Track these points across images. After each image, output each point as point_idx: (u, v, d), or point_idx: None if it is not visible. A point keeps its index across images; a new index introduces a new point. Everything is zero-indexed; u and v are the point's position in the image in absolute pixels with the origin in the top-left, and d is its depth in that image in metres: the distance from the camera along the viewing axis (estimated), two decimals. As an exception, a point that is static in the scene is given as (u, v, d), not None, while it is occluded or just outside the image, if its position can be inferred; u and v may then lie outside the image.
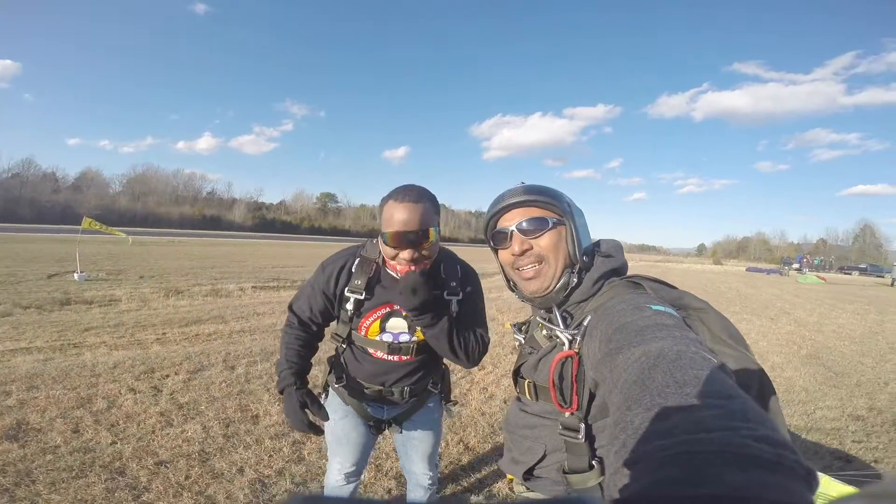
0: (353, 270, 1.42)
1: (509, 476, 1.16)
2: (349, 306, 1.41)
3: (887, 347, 6.89)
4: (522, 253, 0.97)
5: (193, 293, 8.54)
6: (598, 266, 0.96)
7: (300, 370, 1.46)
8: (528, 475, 1.03)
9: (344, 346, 1.50)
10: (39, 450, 2.46)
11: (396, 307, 1.41)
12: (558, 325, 0.93)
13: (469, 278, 1.51)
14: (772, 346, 6.59)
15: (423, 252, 1.30)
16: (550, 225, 0.96)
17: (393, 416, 1.59)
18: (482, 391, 3.94)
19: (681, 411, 0.41)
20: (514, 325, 1.18)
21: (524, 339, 1.11)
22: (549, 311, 0.98)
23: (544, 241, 0.96)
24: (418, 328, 1.39)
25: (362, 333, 1.44)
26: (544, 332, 1.00)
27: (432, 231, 1.28)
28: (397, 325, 1.44)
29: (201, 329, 5.65)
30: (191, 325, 5.83)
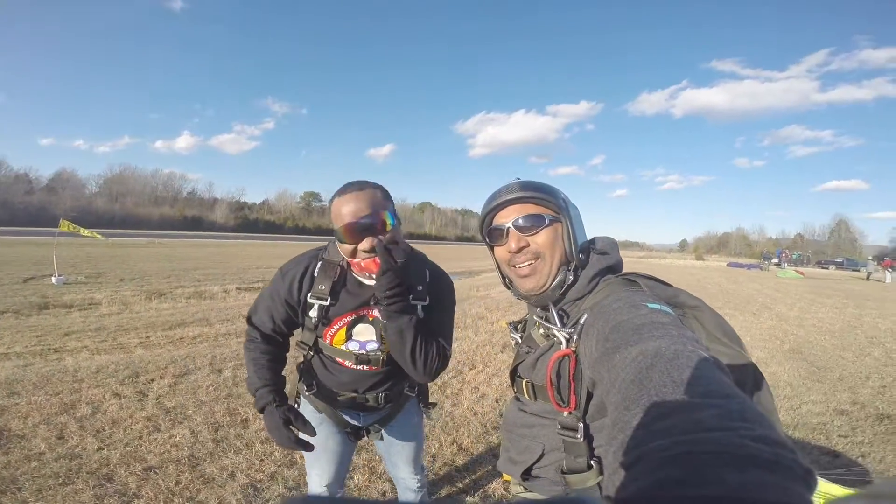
0: (316, 275, 1.33)
1: (505, 476, 1.15)
2: (313, 313, 1.33)
3: (866, 341, 7.02)
4: (519, 250, 0.96)
5: (176, 295, 8.40)
6: (593, 263, 0.96)
7: (276, 386, 1.36)
8: (527, 475, 1.03)
9: (311, 353, 1.42)
10: (23, 457, 2.40)
11: (363, 313, 1.33)
12: (555, 324, 0.93)
13: (439, 283, 1.40)
14: (755, 342, 6.66)
15: (383, 238, 1.17)
16: (547, 222, 0.95)
17: (370, 423, 1.52)
18: (474, 390, 3.95)
19: (679, 411, 0.41)
20: (511, 324, 1.17)
21: (521, 337, 1.10)
22: (546, 309, 0.98)
23: (541, 238, 0.95)
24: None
25: (328, 342, 1.36)
26: (541, 330, 0.99)
27: (386, 214, 1.19)
28: (364, 331, 1.35)
29: (186, 332, 5.56)
30: (175, 329, 5.73)
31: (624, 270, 1.00)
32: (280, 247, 32.39)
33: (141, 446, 2.62)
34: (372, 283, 1.25)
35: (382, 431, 1.56)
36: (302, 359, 1.47)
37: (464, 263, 23.10)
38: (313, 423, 1.40)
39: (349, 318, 1.33)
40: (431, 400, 1.70)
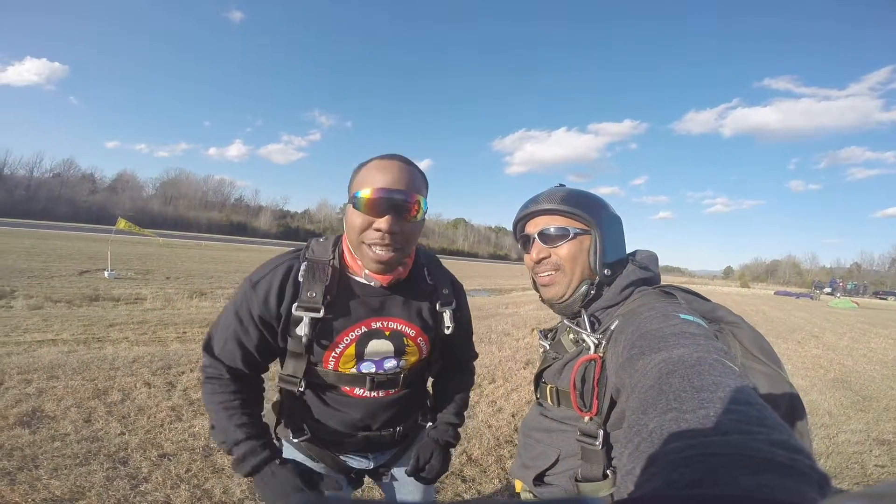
0: (301, 279, 1.02)
1: (518, 484, 1.13)
2: (302, 331, 0.99)
3: (922, 372, 6.59)
4: (540, 261, 0.99)
5: (216, 295, 8.76)
6: (627, 274, 0.96)
7: (265, 438, 1.01)
8: (539, 481, 1.02)
9: (301, 389, 1.06)
10: (49, 436, 2.52)
11: (375, 325, 1.05)
12: (585, 328, 0.94)
13: (459, 289, 1.24)
14: (797, 370, 6.40)
15: (407, 225, 0.98)
16: (571, 235, 0.96)
17: (381, 464, 1.23)
18: (490, 404, 3.87)
19: (696, 415, 0.40)
20: (541, 332, 1.18)
21: (550, 344, 1.11)
22: (577, 315, 0.99)
23: (563, 251, 0.96)
24: (409, 349, 1.09)
25: (331, 367, 1.04)
26: (571, 336, 1.00)
27: (420, 201, 0.98)
28: (380, 348, 1.06)
29: (219, 330, 5.75)
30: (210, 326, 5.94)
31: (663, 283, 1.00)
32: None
33: (160, 434, 2.69)
34: (373, 284, 1.04)
35: (392, 472, 1.25)
36: (280, 396, 1.14)
37: (495, 281, 23.01)
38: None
39: (358, 332, 1.03)
40: None
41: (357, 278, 1.05)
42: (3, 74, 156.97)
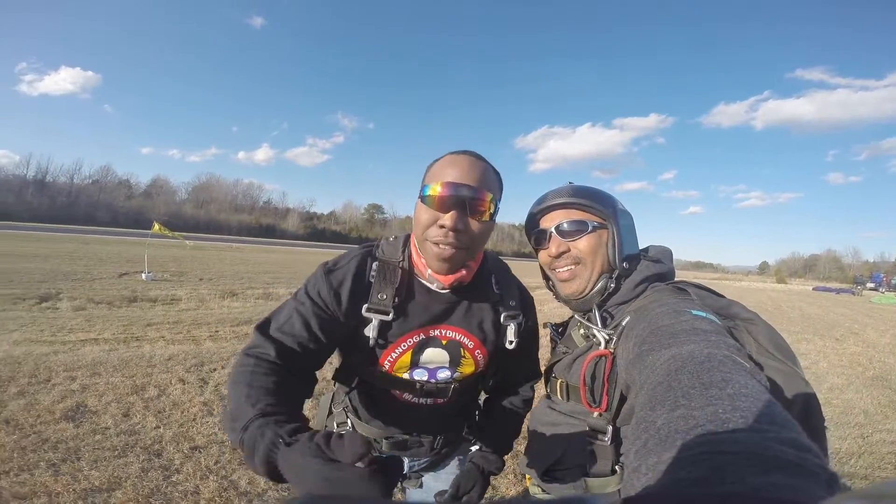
0: (373, 280, 0.98)
1: (527, 479, 1.13)
2: (370, 332, 0.96)
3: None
4: (559, 255, 0.98)
5: (247, 296, 9.01)
6: (641, 270, 0.95)
7: (288, 419, 0.72)
8: (546, 475, 1.02)
9: (353, 385, 1.09)
10: (90, 430, 2.68)
11: (433, 333, 1.01)
12: (596, 324, 0.93)
13: (527, 298, 1.15)
14: (833, 368, 6.15)
15: (474, 224, 0.91)
16: (590, 228, 0.95)
17: (415, 469, 1.22)
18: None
19: (705, 412, 0.40)
20: (552, 325, 1.17)
21: (560, 339, 1.10)
22: (589, 311, 0.98)
23: (582, 244, 0.96)
24: (465, 361, 1.04)
25: (386, 369, 1.01)
26: (582, 331, 1.00)
27: (490, 199, 0.91)
28: (436, 357, 1.02)
29: (250, 328, 5.90)
30: (242, 325, 6.14)
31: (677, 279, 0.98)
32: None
33: (193, 427, 2.83)
34: (436, 286, 1.00)
35: (423, 478, 1.24)
36: (336, 388, 1.17)
37: (520, 279, 22.70)
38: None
39: (416, 339, 1.00)
40: None
41: (422, 281, 1.00)
42: (40, 84, 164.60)
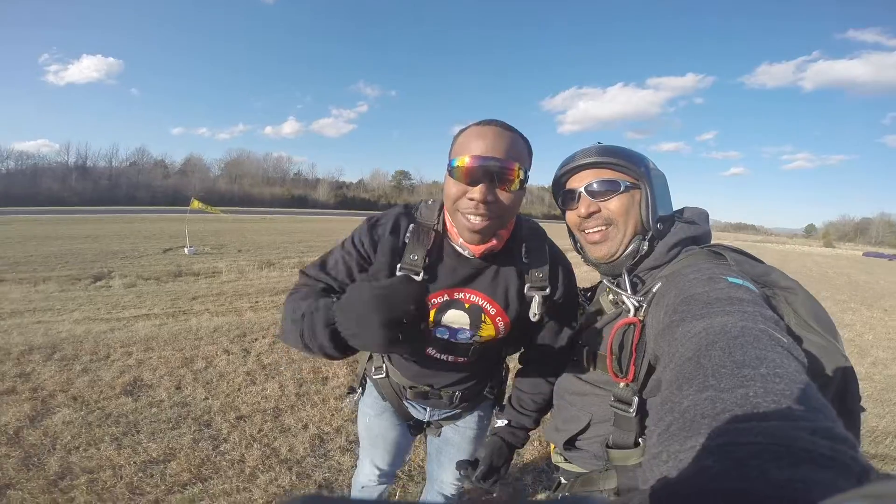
0: (408, 240, 1.05)
1: (552, 447, 1.14)
2: None
3: None
4: (589, 215, 0.94)
5: (283, 265, 9.33)
6: (675, 232, 0.91)
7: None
8: (569, 445, 1.02)
9: None
10: (148, 403, 2.90)
11: (458, 296, 1.07)
12: (626, 291, 0.89)
13: (561, 269, 1.11)
14: (879, 340, 5.81)
15: (504, 195, 0.93)
16: (622, 188, 0.92)
17: (435, 419, 1.34)
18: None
19: (734, 394, 0.38)
20: (580, 290, 1.15)
21: (588, 304, 1.09)
22: (619, 275, 0.95)
23: (614, 205, 0.92)
24: (484, 326, 1.10)
25: None
26: (611, 296, 0.97)
27: (518, 169, 0.91)
28: (457, 318, 1.09)
29: (288, 297, 6.16)
30: (280, 294, 6.37)
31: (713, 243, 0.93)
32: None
33: (238, 398, 3.02)
34: (467, 253, 1.04)
35: (443, 428, 1.37)
36: None
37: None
38: (375, 411, 1.35)
39: (441, 300, 1.07)
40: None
41: (454, 245, 1.06)
42: (66, 74, 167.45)
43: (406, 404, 1.31)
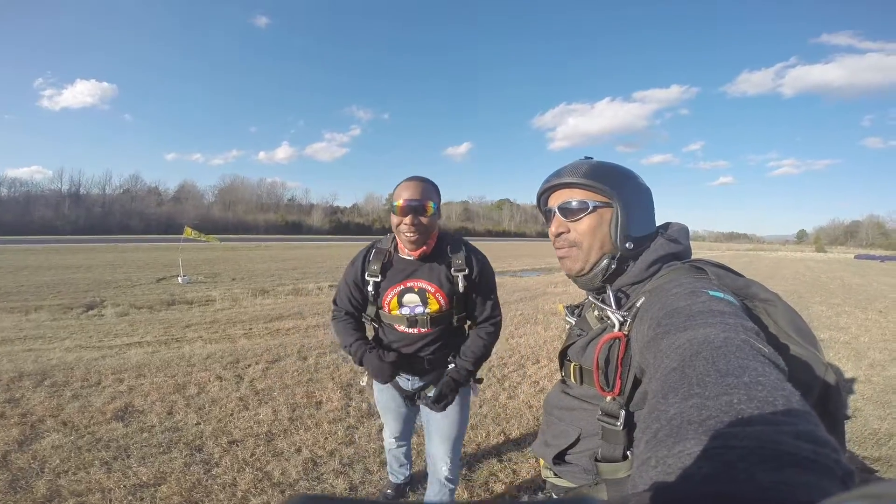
0: (370, 260, 1.69)
1: (541, 462, 1.15)
2: (370, 289, 1.69)
3: None
4: (558, 234, 0.99)
5: (277, 292, 9.29)
6: (655, 248, 0.93)
7: (364, 338, 1.74)
8: (559, 459, 1.02)
9: (375, 325, 1.78)
10: (138, 428, 2.87)
11: (409, 284, 1.64)
12: (610, 306, 0.91)
13: (475, 257, 1.70)
14: (874, 342, 5.82)
15: (423, 220, 1.54)
16: (590, 208, 0.94)
17: (416, 388, 1.79)
18: (533, 385, 3.92)
19: (719, 402, 0.39)
20: (567, 307, 1.17)
21: (575, 321, 1.09)
22: (603, 290, 0.97)
23: (582, 226, 0.95)
24: (430, 301, 1.65)
25: (386, 310, 1.68)
26: (596, 312, 0.98)
27: (430, 205, 1.54)
28: (411, 299, 1.65)
29: (282, 324, 6.15)
30: (273, 321, 6.36)
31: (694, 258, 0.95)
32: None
33: (230, 422, 3.00)
34: (410, 258, 1.65)
35: (428, 398, 1.76)
36: (373, 332, 1.82)
37: (544, 259, 22.58)
38: (378, 388, 1.88)
39: (398, 289, 1.64)
40: (482, 384, 1.96)
41: (402, 255, 1.66)
42: (60, 98, 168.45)
43: (397, 379, 1.78)
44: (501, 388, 3.81)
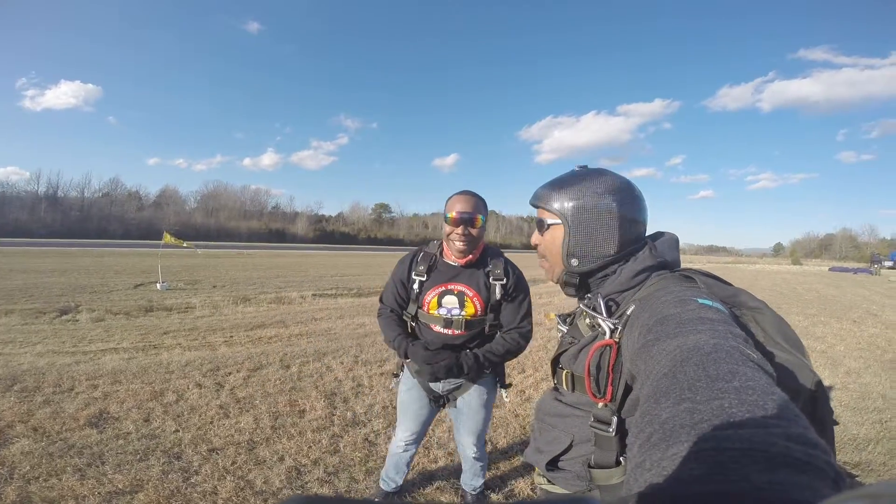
0: (418, 261, 1.84)
1: (535, 469, 1.15)
2: (415, 287, 1.81)
3: None
4: (535, 246, 1.08)
5: (260, 300, 9.13)
6: (642, 259, 0.94)
7: (406, 332, 1.84)
8: (552, 466, 1.03)
9: (413, 323, 1.86)
10: (114, 435, 2.78)
11: (450, 287, 1.77)
12: (601, 313, 0.93)
13: (512, 269, 1.83)
14: (850, 351, 6.03)
15: (472, 231, 1.69)
16: (546, 226, 1.01)
17: (448, 391, 1.90)
18: (519, 394, 3.93)
19: (710, 406, 0.39)
20: (559, 316, 1.19)
21: (567, 329, 1.11)
22: (592, 298, 0.99)
23: (546, 241, 1.03)
24: (467, 304, 1.77)
25: (425, 309, 1.79)
26: (587, 320, 0.99)
27: (480, 218, 1.70)
28: (450, 301, 1.77)
29: (264, 333, 6.04)
30: (255, 329, 6.24)
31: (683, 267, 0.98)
32: (354, 257, 34.02)
33: (210, 430, 2.92)
34: (455, 264, 1.78)
35: (457, 400, 1.90)
36: (409, 329, 1.89)
37: (529, 272, 22.50)
38: (406, 387, 1.94)
39: (439, 290, 1.77)
40: (509, 389, 2.03)
41: (447, 260, 1.81)
42: (42, 99, 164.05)
43: (427, 381, 1.87)
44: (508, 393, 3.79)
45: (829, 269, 39.35)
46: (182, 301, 8.57)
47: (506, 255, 1.88)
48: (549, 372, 4.39)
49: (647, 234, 1.04)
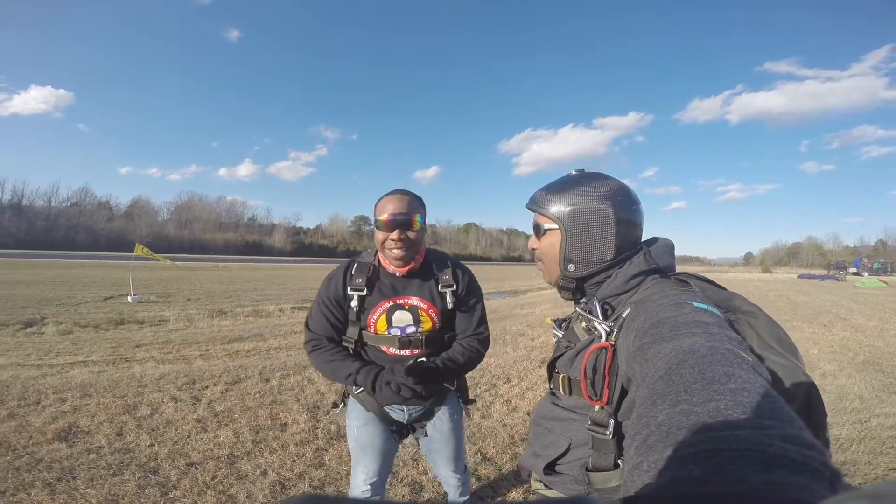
0: (353, 273, 1.52)
1: (533, 483, 1.13)
2: (354, 304, 1.49)
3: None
4: (532, 250, 1.08)
5: (236, 314, 8.92)
6: (636, 263, 0.95)
7: (367, 364, 1.49)
8: (549, 470, 1.02)
9: (357, 348, 1.54)
10: (85, 450, 2.65)
11: (399, 301, 1.50)
12: (597, 317, 0.93)
13: (462, 272, 1.59)
14: (823, 354, 6.22)
15: (410, 235, 1.42)
16: (543, 231, 1.01)
17: (414, 418, 1.61)
18: (505, 403, 3.91)
19: (706, 408, 0.40)
20: (555, 321, 1.19)
21: (563, 333, 1.11)
22: (588, 301, 1.00)
23: (542, 245, 1.03)
24: (423, 319, 1.51)
25: (371, 331, 1.50)
26: (583, 324, 1.00)
27: (417, 219, 1.44)
28: (403, 318, 1.50)
29: (242, 346, 5.89)
30: (232, 343, 6.08)
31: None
32: (332, 269, 33.63)
33: (188, 444, 2.81)
34: (397, 274, 1.50)
35: (426, 428, 1.64)
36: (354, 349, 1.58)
37: (510, 283, 22.94)
38: (360, 422, 1.59)
39: (386, 306, 1.50)
40: (473, 405, 1.83)
41: (387, 269, 1.51)
42: (10, 104, 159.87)
43: (386, 409, 1.59)
44: (475, 408, 3.77)
45: (798, 277, 40.91)
46: (155, 314, 8.31)
47: (465, 263, 1.66)
48: (535, 381, 4.52)
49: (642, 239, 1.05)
